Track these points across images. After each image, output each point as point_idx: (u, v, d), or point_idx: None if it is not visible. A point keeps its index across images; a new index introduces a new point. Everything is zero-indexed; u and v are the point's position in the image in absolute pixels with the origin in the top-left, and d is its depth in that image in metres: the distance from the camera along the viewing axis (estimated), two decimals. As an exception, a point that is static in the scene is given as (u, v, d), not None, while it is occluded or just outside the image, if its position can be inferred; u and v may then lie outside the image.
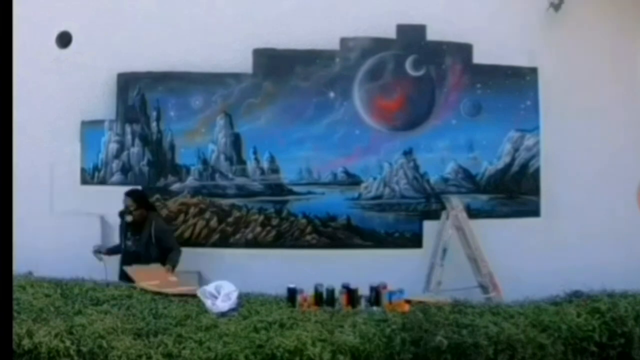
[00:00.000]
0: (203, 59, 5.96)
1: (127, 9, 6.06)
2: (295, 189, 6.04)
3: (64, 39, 6.18)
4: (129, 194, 5.63)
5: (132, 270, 5.17)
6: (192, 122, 6.08)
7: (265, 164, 6.07)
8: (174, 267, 5.43)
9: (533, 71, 6.10)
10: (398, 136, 6.05)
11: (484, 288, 5.63)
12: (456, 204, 5.88)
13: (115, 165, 6.13)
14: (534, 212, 6.13)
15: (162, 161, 6.13)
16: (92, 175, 6.15)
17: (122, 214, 5.59)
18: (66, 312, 4.20)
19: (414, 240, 6.04)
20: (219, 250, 6.03)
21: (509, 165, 6.13)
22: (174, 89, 6.07)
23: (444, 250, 5.77)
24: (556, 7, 5.85)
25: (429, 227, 6.03)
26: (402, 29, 5.99)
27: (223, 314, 4.31)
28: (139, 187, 5.94)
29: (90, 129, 6.11)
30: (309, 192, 6.04)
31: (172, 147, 6.11)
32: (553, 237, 5.99)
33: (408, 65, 6.04)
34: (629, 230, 6.06)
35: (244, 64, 5.98)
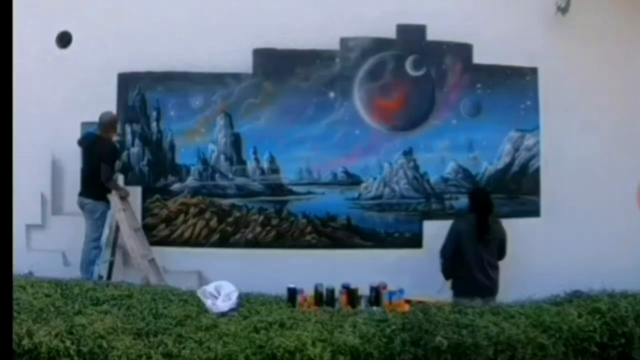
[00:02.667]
0: (203, 59, 5.96)
1: (127, 9, 6.06)
2: (295, 189, 6.04)
3: (64, 39, 6.18)
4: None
5: None
6: (192, 122, 6.08)
7: (265, 164, 6.07)
8: None
9: (533, 71, 6.09)
10: (398, 136, 6.05)
11: None
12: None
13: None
14: (534, 212, 6.12)
15: (162, 161, 6.13)
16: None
17: None
18: (66, 312, 4.20)
19: (414, 240, 6.04)
20: (219, 250, 6.03)
21: (509, 165, 6.13)
22: (174, 89, 6.07)
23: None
24: (563, 10, 5.85)
25: (429, 227, 6.03)
26: (402, 29, 5.99)
27: (223, 314, 4.32)
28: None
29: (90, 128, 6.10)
30: (309, 192, 6.04)
31: (172, 147, 6.11)
32: (553, 237, 5.99)
33: (408, 65, 6.04)
34: (629, 230, 6.05)
35: (244, 64, 5.98)
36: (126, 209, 5.89)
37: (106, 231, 5.86)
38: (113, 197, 5.85)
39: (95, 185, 5.84)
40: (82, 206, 5.96)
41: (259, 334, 3.92)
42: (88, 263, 5.84)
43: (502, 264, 5.65)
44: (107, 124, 5.92)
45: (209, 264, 5.86)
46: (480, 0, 6.04)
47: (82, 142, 6.00)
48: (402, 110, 6.06)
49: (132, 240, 5.78)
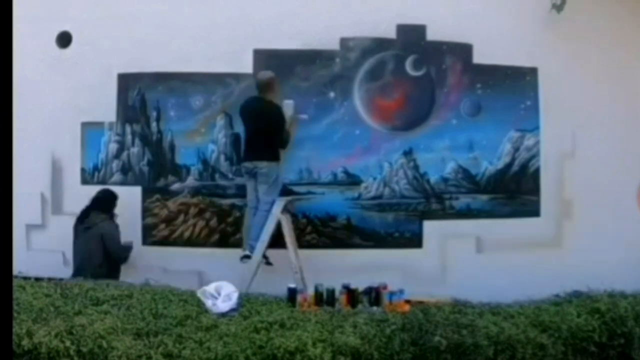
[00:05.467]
0: (203, 58, 5.96)
1: (127, 9, 6.05)
2: (295, 189, 6.03)
3: (64, 39, 6.18)
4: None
5: None
6: (192, 122, 6.07)
7: (265, 164, 6.05)
8: None
9: (533, 71, 6.09)
10: (398, 136, 6.04)
11: None
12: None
13: (115, 165, 6.13)
14: (534, 212, 6.12)
15: (162, 161, 6.13)
16: (92, 175, 6.15)
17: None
18: (66, 312, 4.20)
19: (414, 240, 6.04)
20: (219, 250, 6.03)
21: (509, 165, 6.13)
22: (174, 89, 6.07)
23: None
24: (558, 8, 5.84)
25: (429, 227, 6.03)
26: (402, 29, 5.99)
27: (223, 315, 4.32)
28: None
29: (90, 129, 6.11)
30: (309, 192, 6.03)
31: (172, 147, 6.11)
32: (553, 237, 5.98)
33: (408, 65, 6.04)
34: (629, 230, 6.06)
35: (244, 64, 5.98)
36: (289, 210, 5.73)
37: (271, 224, 5.59)
38: (279, 200, 5.65)
39: (268, 147, 5.65)
40: (252, 172, 5.72)
41: (259, 334, 3.92)
42: (254, 234, 5.61)
43: (501, 264, 5.66)
44: (265, 84, 5.69)
45: (209, 264, 5.86)
46: (480, 0, 6.03)
47: (246, 107, 5.75)
48: (402, 110, 6.06)
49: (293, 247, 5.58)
